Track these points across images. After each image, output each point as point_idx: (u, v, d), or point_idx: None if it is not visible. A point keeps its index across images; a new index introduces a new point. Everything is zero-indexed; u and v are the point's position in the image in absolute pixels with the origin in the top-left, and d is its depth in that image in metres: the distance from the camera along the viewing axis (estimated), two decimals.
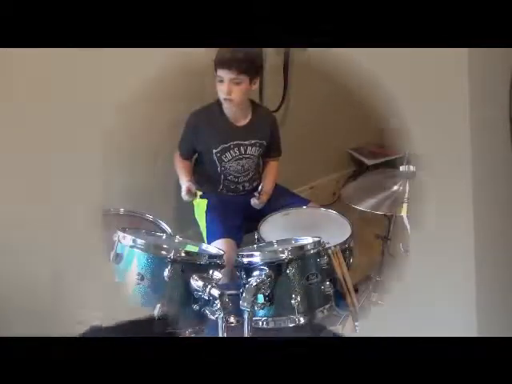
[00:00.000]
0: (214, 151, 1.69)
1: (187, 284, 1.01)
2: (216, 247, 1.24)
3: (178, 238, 1.26)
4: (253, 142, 1.73)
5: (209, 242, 1.62)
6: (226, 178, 1.78)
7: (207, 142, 1.70)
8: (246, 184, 1.83)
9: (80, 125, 1.17)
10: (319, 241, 1.17)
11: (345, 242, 1.44)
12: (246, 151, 1.73)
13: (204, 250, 1.23)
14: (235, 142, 1.69)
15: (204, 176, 1.82)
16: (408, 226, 1.26)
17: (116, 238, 1.05)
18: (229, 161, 1.72)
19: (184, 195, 1.63)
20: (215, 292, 0.96)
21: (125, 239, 1.03)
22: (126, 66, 1.52)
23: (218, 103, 1.66)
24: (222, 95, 1.59)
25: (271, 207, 1.78)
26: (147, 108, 1.80)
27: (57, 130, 1.12)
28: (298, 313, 1.09)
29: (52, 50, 0.90)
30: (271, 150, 1.86)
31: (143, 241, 1.01)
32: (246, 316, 1.00)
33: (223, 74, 1.54)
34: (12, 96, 1.07)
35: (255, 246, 1.40)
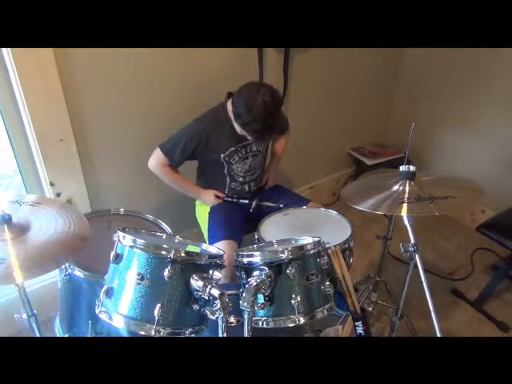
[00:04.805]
0: (222, 156, 1.69)
1: (187, 284, 1.01)
2: (217, 248, 1.23)
3: (177, 238, 1.26)
4: None
5: (211, 243, 1.62)
6: (233, 180, 1.78)
7: (216, 148, 1.67)
8: (252, 183, 1.82)
9: None
10: (319, 241, 1.16)
11: (345, 242, 1.45)
12: (251, 149, 1.73)
13: (204, 250, 1.23)
14: (242, 144, 1.69)
15: (209, 180, 1.81)
16: (408, 226, 1.26)
17: (116, 238, 1.05)
18: (236, 162, 1.72)
19: (213, 200, 1.77)
20: (215, 292, 0.96)
21: (125, 239, 1.03)
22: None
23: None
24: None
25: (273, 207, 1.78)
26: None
27: None
28: (298, 313, 1.09)
29: None
30: (279, 128, 1.85)
31: (143, 241, 1.00)
32: (245, 316, 0.99)
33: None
34: None
35: (255, 246, 1.40)
